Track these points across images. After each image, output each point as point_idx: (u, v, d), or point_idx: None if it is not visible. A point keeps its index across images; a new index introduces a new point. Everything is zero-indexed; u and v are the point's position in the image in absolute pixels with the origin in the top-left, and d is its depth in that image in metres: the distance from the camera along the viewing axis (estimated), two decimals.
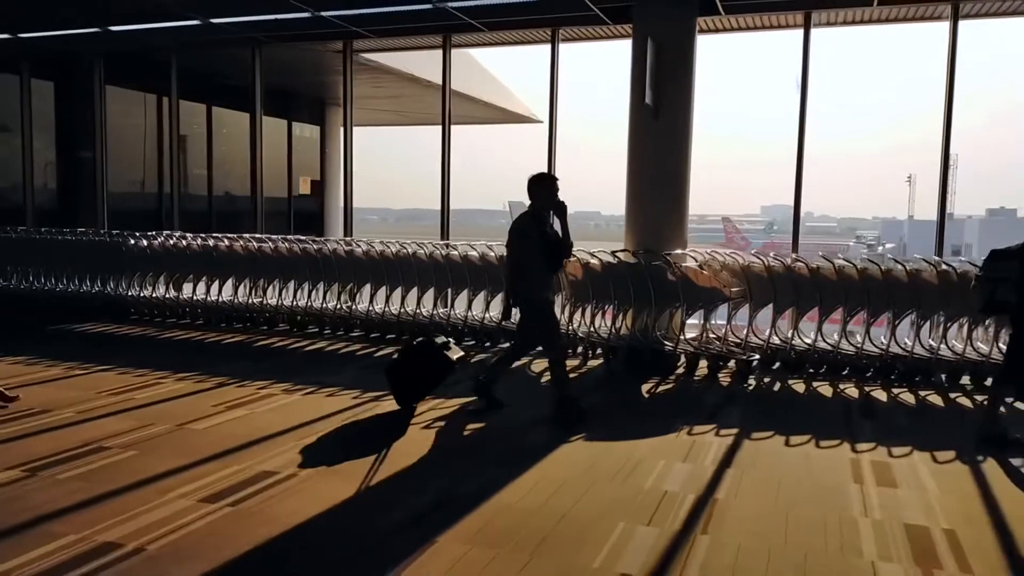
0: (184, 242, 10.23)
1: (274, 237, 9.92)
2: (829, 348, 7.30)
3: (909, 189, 61.76)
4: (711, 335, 7.57)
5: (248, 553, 3.51)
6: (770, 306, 7.46)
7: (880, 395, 6.66)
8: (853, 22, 8.88)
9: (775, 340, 7.46)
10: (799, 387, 6.92)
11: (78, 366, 7.28)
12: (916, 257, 7.48)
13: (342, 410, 5.94)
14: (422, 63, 11.89)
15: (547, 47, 9.61)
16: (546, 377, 6.98)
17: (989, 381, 6.74)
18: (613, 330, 7.82)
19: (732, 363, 7.35)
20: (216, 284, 9.97)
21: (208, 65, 13.31)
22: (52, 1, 9.39)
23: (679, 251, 7.89)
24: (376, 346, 8.62)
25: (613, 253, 7.90)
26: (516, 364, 6.49)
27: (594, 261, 7.87)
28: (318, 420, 5.62)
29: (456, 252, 8.85)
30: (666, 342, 7.60)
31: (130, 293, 10.40)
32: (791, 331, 7.42)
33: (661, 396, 6.74)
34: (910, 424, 5.95)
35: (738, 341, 7.55)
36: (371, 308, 9.19)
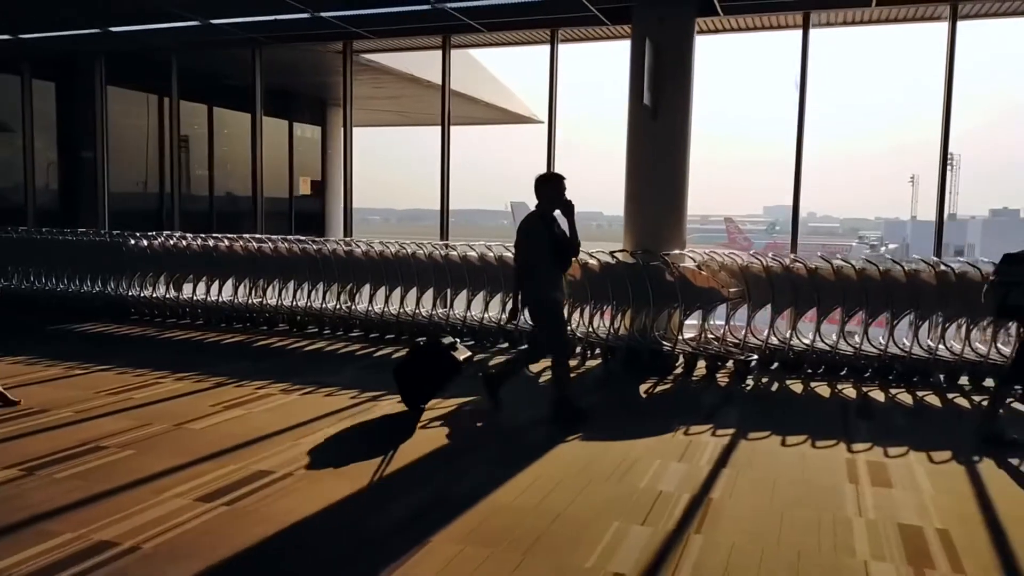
0: (184, 242, 10.26)
1: (274, 237, 9.94)
2: (827, 348, 7.30)
3: (912, 189, 61.71)
4: (709, 335, 7.57)
5: (243, 552, 3.52)
6: (768, 306, 7.47)
7: (878, 395, 6.66)
8: (852, 23, 8.89)
9: (773, 340, 7.46)
10: (797, 387, 6.92)
11: (77, 366, 7.31)
12: (915, 258, 7.48)
13: (340, 410, 5.95)
14: (423, 64, 11.91)
15: (546, 48, 9.63)
16: (545, 377, 6.99)
17: (988, 382, 6.75)
18: (611, 330, 7.83)
19: (730, 363, 7.35)
20: (216, 284, 10.00)
21: (209, 65, 13.34)
22: (53, 2, 9.42)
23: (677, 251, 7.90)
24: (375, 346, 8.64)
25: (611, 253, 7.91)
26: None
27: (592, 261, 7.88)
28: (316, 420, 5.64)
29: (455, 252, 8.87)
30: (664, 342, 7.61)
31: (130, 293, 10.42)
32: (789, 331, 7.42)
33: (659, 396, 6.75)
34: (907, 424, 5.95)
35: (736, 341, 7.55)
36: (370, 308, 9.21)
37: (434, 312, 8.89)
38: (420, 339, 6.57)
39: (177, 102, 12.24)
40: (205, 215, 14.42)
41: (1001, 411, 5.51)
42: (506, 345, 8.50)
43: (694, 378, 7.25)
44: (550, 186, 5.73)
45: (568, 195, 5.68)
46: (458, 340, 6.36)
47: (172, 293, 10.24)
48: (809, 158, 8.73)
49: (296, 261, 9.60)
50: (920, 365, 7.04)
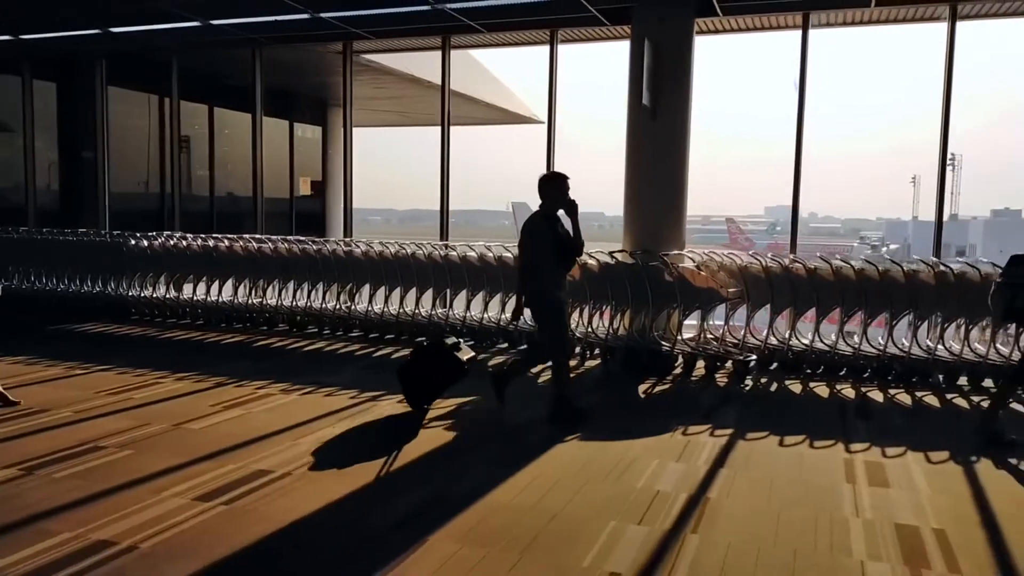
0: (184, 242, 10.28)
1: (274, 238, 9.95)
2: (826, 349, 7.30)
3: (913, 190, 61.62)
4: (708, 336, 7.58)
5: (241, 551, 3.53)
6: (767, 307, 7.47)
7: (877, 396, 6.66)
8: (851, 23, 8.90)
9: (772, 341, 7.46)
10: (796, 388, 6.93)
11: (78, 366, 7.32)
12: (914, 258, 7.49)
13: (340, 410, 5.96)
14: (423, 64, 11.92)
15: (546, 48, 9.63)
16: (545, 377, 7.00)
17: (987, 382, 6.75)
18: (610, 331, 7.84)
19: (729, 364, 7.36)
20: (216, 284, 10.01)
21: (209, 66, 13.36)
22: (53, 2, 9.44)
23: (677, 252, 7.91)
24: (375, 346, 8.65)
25: (611, 254, 7.91)
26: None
27: (592, 262, 7.88)
28: (315, 420, 5.65)
29: (455, 252, 8.88)
30: (663, 343, 7.62)
31: (131, 293, 10.44)
32: (788, 332, 7.42)
33: (658, 396, 6.75)
34: (906, 424, 5.95)
35: (735, 342, 7.56)
36: (370, 308, 9.23)
37: (434, 312, 8.90)
38: (424, 340, 6.55)
39: (178, 102, 12.26)
40: (206, 215, 14.44)
41: (1001, 411, 5.51)
42: (505, 345, 8.51)
43: (693, 378, 7.26)
44: (554, 186, 5.74)
45: (571, 195, 5.70)
46: (461, 340, 6.37)
47: (172, 293, 10.26)
48: (809, 158, 8.78)
49: (296, 261, 9.61)
50: (919, 365, 7.05)
